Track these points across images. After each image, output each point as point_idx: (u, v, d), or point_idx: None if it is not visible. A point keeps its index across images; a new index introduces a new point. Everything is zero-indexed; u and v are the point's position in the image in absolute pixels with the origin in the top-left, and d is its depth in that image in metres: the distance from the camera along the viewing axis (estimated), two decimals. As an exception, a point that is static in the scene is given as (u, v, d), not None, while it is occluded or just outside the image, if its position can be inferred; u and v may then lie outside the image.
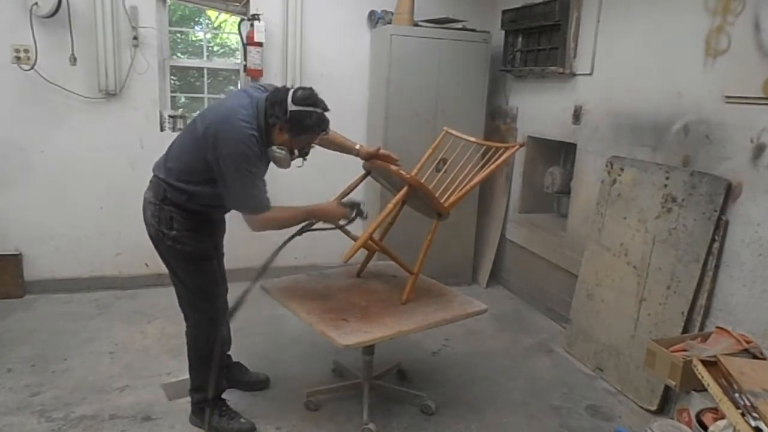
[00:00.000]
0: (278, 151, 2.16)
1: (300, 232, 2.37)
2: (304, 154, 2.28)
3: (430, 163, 2.90)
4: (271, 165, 2.28)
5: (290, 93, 2.11)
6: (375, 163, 2.47)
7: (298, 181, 3.69)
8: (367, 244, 2.38)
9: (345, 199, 2.42)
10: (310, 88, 2.17)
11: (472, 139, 2.89)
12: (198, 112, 2.71)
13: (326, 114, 2.18)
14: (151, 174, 2.29)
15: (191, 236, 2.21)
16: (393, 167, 2.40)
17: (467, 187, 2.58)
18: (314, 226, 2.37)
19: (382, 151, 2.48)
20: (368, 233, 2.28)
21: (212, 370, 2.36)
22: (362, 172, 2.62)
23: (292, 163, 2.26)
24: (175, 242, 2.20)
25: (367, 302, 2.41)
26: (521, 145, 2.87)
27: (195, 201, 2.20)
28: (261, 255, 3.64)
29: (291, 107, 2.08)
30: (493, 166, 2.62)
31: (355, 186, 2.62)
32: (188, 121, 2.96)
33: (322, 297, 2.42)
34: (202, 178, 2.14)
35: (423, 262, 2.49)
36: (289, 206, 2.26)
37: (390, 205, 2.33)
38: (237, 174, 2.07)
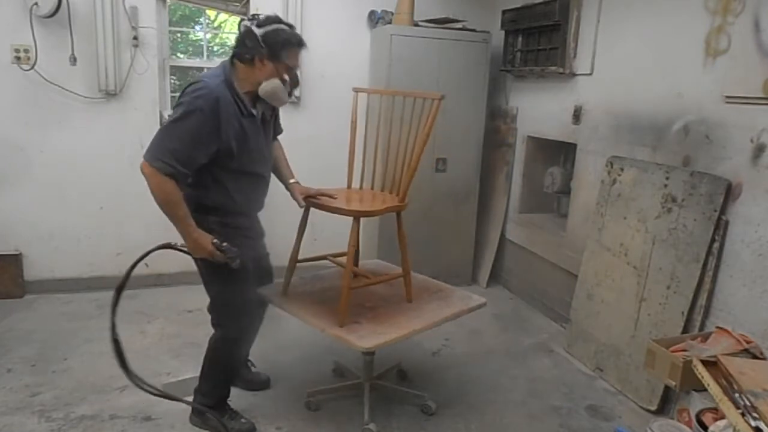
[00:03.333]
0: (268, 83, 2.07)
1: (155, 249, 2.13)
2: (294, 82, 2.18)
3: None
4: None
5: (252, 24, 2.07)
6: (310, 202, 2.34)
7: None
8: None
9: (225, 246, 2.08)
10: (268, 14, 2.15)
11: (389, 90, 2.62)
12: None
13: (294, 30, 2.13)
14: None
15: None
16: (332, 204, 2.26)
17: (412, 165, 2.30)
18: (177, 245, 2.12)
19: (314, 191, 2.37)
20: (346, 286, 2.18)
21: (221, 384, 2.37)
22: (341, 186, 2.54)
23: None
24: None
25: (371, 303, 2.41)
26: (442, 97, 2.33)
27: (218, 193, 2.11)
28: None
29: (259, 32, 2.04)
30: (426, 128, 2.25)
31: (303, 226, 2.43)
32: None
33: (325, 300, 2.41)
34: (203, 162, 2.05)
35: (407, 259, 2.44)
36: (185, 209, 2.02)
37: (349, 254, 2.22)
38: (172, 121, 1.96)
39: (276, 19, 2.11)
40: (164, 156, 1.94)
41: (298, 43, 2.12)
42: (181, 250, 2.11)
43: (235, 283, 2.20)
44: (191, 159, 1.99)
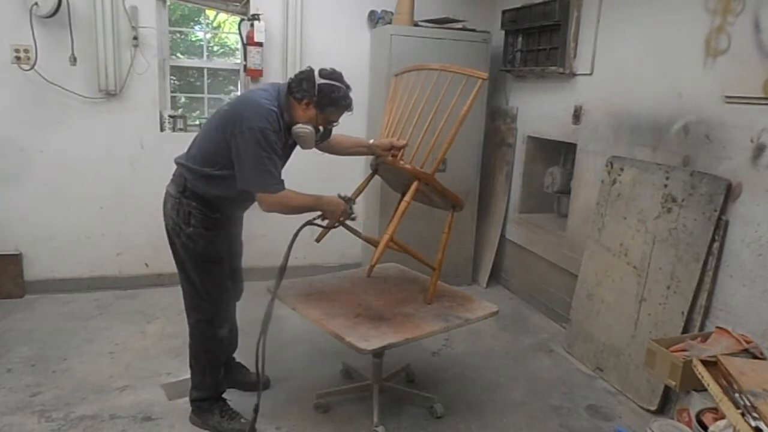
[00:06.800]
0: (303, 128, 2.20)
1: (301, 228, 2.29)
2: (327, 134, 2.36)
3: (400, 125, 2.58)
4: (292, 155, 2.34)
5: (316, 70, 2.22)
6: (386, 160, 2.44)
7: (299, 182, 3.69)
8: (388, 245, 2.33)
9: (342, 194, 2.35)
10: (335, 69, 2.28)
11: (435, 66, 2.52)
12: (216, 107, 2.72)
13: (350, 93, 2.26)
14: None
15: (206, 235, 2.25)
16: (406, 166, 2.37)
17: (447, 140, 2.36)
18: (316, 221, 2.34)
19: (394, 141, 2.49)
20: (389, 234, 2.25)
21: (208, 370, 2.39)
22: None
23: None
24: (189, 239, 2.24)
25: (383, 302, 2.42)
26: (485, 78, 2.38)
27: (215, 188, 2.21)
28: (263, 255, 3.58)
29: (319, 80, 2.18)
30: (466, 107, 2.30)
31: (366, 184, 2.60)
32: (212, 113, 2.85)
33: (345, 302, 2.40)
34: (224, 163, 2.17)
35: (443, 257, 2.49)
36: (300, 192, 2.26)
37: (404, 204, 2.31)
38: (254, 149, 2.10)
39: (339, 77, 2.25)
40: (271, 180, 2.15)
41: (347, 106, 2.27)
42: (320, 226, 2.34)
43: (213, 270, 2.31)
44: (280, 165, 2.21)
